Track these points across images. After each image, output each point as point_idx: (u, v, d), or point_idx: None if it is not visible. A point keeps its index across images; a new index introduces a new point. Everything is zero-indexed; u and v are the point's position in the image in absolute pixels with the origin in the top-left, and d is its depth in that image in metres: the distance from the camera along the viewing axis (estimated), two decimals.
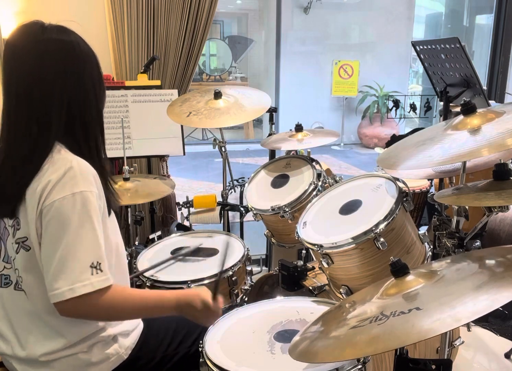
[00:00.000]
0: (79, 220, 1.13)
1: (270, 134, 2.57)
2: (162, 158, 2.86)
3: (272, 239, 2.20)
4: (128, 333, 1.34)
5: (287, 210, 1.97)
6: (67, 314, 1.16)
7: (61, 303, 1.12)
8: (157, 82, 2.71)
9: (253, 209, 2.11)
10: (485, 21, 8.41)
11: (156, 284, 1.82)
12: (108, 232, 1.26)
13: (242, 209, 2.51)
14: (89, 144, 1.26)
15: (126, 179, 2.16)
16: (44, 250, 1.15)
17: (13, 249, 1.22)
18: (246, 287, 1.97)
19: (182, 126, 2.62)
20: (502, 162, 1.40)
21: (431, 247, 1.75)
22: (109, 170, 1.30)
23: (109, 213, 1.28)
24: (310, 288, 1.80)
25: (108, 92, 2.43)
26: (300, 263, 1.90)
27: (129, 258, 2.20)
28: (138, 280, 1.87)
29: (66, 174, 1.15)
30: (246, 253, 1.98)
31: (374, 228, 1.52)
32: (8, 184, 1.19)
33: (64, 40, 1.21)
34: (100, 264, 1.14)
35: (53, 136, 1.20)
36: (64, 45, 1.21)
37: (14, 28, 1.23)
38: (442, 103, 2.35)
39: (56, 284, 1.11)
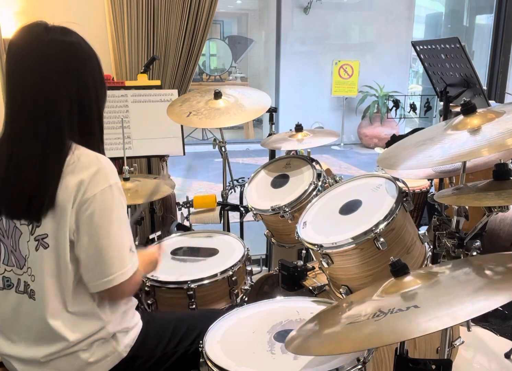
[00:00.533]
0: (117, 209, 1.21)
1: (270, 134, 2.57)
2: (162, 158, 2.86)
3: (272, 239, 2.20)
4: (127, 330, 1.35)
5: (287, 210, 1.97)
6: (118, 295, 1.27)
7: (114, 287, 1.20)
8: (157, 82, 2.71)
9: (253, 209, 2.11)
10: (485, 21, 8.42)
11: (155, 284, 1.82)
12: None
13: (242, 209, 2.51)
14: (92, 143, 1.27)
15: (126, 179, 2.16)
16: (88, 242, 1.19)
17: (28, 247, 1.22)
18: (246, 287, 1.97)
19: (182, 126, 2.62)
20: (502, 162, 1.40)
21: (431, 247, 1.75)
22: None
23: None
24: (310, 288, 1.80)
25: (108, 92, 2.43)
26: (300, 263, 1.90)
27: None
28: None
29: (99, 168, 1.20)
30: (246, 253, 1.98)
31: (374, 228, 1.52)
32: (27, 185, 1.18)
33: (67, 41, 1.22)
34: (132, 246, 1.26)
35: (68, 136, 1.21)
36: (67, 46, 1.22)
37: (18, 29, 1.23)
38: (442, 103, 2.35)
39: (109, 270, 1.20)
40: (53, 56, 1.20)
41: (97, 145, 1.29)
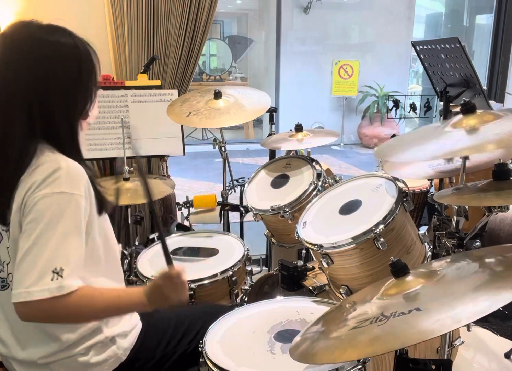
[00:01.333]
0: (50, 220, 1.10)
1: (270, 134, 2.57)
2: (162, 158, 2.86)
3: (272, 239, 2.20)
4: (126, 333, 1.34)
5: (287, 210, 1.97)
6: (24, 316, 1.11)
7: (18, 304, 1.07)
8: (157, 82, 2.71)
9: (253, 209, 2.11)
10: (485, 21, 8.42)
11: None
12: (95, 234, 1.23)
13: (242, 209, 2.51)
14: (68, 150, 1.22)
15: (126, 179, 2.16)
16: (13, 247, 1.13)
17: (8, 253, 1.20)
18: (246, 287, 1.97)
19: (182, 126, 2.62)
20: (502, 162, 1.41)
21: (431, 247, 1.75)
22: (92, 171, 1.26)
23: (100, 213, 1.25)
24: (310, 288, 1.80)
25: (108, 92, 2.45)
26: (300, 263, 1.90)
27: (129, 258, 2.20)
28: (138, 280, 1.87)
29: (52, 174, 1.13)
30: (246, 253, 1.98)
31: (374, 228, 1.52)
32: None
33: (49, 40, 1.19)
34: (63, 270, 1.08)
35: (35, 138, 1.17)
36: (49, 46, 1.18)
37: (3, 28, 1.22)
38: (442, 103, 2.35)
39: (16, 283, 1.08)
40: (27, 54, 1.16)
41: (71, 152, 1.22)
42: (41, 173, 1.13)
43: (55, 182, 1.12)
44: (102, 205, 1.25)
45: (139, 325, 1.40)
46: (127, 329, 1.34)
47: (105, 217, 1.30)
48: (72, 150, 1.23)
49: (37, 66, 1.18)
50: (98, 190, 1.26)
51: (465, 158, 1.58)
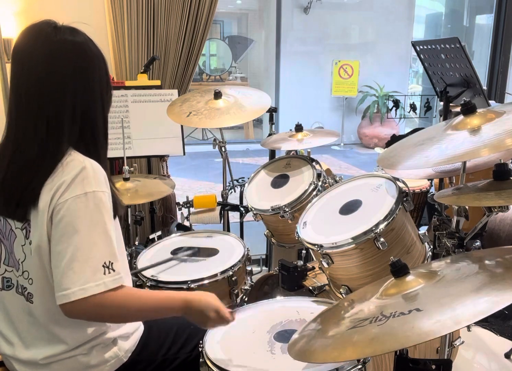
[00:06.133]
0: (91, 219, 1.13)
1: (270, 134, 2.57)
2: (162, 158, 2.86)
3: (272, 239, 2.20)
4: (128, 335, 1.34)
5: (287, 210, 1.97)
6: (75, 314, 1.14)
7: (70, 304, 1.10)
8: (157, 82, 2.71)
9: (253, 209, 2.11)
10: (485, 21, 8.42)
11: (156, 284, 1.82)
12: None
13: (242, 209, 2.51)
14: (96, 148, 1.25)
15: (126, 179, 2.17)
16: (54, 249, 1.13)
17: (23, 251, 1.21)
18: (246, 287, 1.97)
19: (182, 126, 2.62)
20: (502, 162, 1.41)
21: (431, 247, 1.75)
22: (109, 173, 1.28)
23: (115, 217, 1.25)
24: (310, 288, 1.80)
25: None
26: (300, 263, 1.90)
27: (129, 258, 2.20)
28: (138, 280, 1.87)
29: (79, 174, 1.14)
30: (246, 253, 1.98)
31: (374, 228, 1.52)
32: (19, 186, 1.17)
33: (76, 41, 1.20)
34: (112, 263, 1.13)
35: (67, 141, 1.18)
36: (76, 47, 1.20)
37: (25, 27, 1.21)
38: (442, 103, 2.35)
39: (67, 283, 1.10)
40: (60, 56, 1.17)
41: (96, 150, 1.24)
42: (68, 174, 1.14)
43: (83, 182, 1.14)
44: (116, 208, 1.26)
45: (141, 328, 1.39)
46: (129, 331, 1.34)
47: (117, 222, 1.31)
48: (101, 150, 1.26)
49: (82, 66, 1.20)
50: (114, 192, 1.26)
51: None
